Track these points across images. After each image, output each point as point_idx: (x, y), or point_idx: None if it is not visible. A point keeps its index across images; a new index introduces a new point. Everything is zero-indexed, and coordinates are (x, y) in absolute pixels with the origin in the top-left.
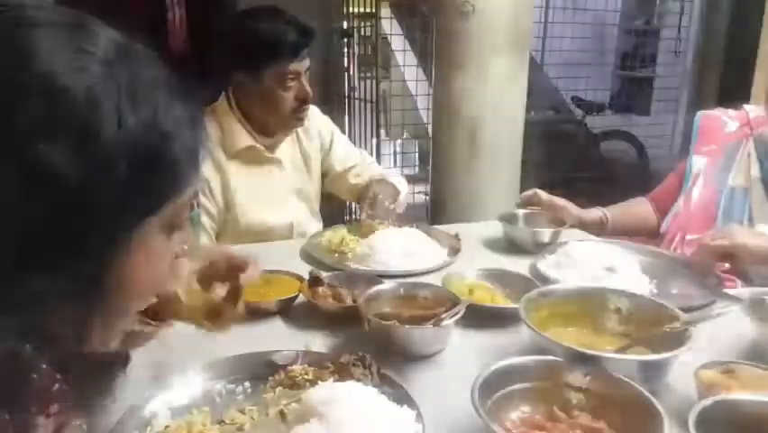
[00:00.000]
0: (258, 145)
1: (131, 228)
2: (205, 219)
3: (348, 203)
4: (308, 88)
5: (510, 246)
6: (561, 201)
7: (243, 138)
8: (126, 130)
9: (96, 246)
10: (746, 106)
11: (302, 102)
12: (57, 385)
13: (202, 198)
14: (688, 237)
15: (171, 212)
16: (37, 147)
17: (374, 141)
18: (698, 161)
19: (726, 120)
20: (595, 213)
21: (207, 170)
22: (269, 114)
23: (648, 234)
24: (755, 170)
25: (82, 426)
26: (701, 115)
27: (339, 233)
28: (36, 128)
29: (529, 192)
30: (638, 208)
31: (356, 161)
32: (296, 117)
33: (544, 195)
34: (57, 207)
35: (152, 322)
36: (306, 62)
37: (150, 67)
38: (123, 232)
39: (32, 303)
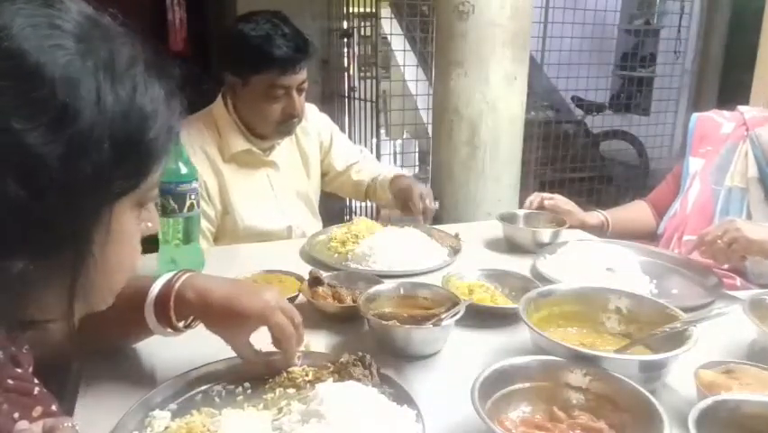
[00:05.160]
0: (254, 149)
1: (109, 206)
2: (203, 222)
3: (348, 202)
4: (298, 104)
5: (510, 246)
6: (566, 205)
7: (239, 141)
8: (105, 109)
9: (76, 225)
10: (741, 108)
11: (289, 116)
12: (37, 389)
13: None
14: (685, 238)
15: (144, 190)
16: (12, 127)
17: (374, 141)
18: (694, 163)
19: (721, 121)
20: (597, 216)
21: (205, 172)
22: (257, 121)
23: (648, 238)
24: (753, 171)
25: (75, 427)
26: (696, 118)
27: (353, 228)
28: (10, 108)
29: (535, 199)
30: (638, 212)
31: (357, 158)
32: (281, 129)
33: (548, 201)
34: (35, 186)
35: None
36: (301, 77)
37: (126, 42)
38: (102, 210)
39: (15, 284)
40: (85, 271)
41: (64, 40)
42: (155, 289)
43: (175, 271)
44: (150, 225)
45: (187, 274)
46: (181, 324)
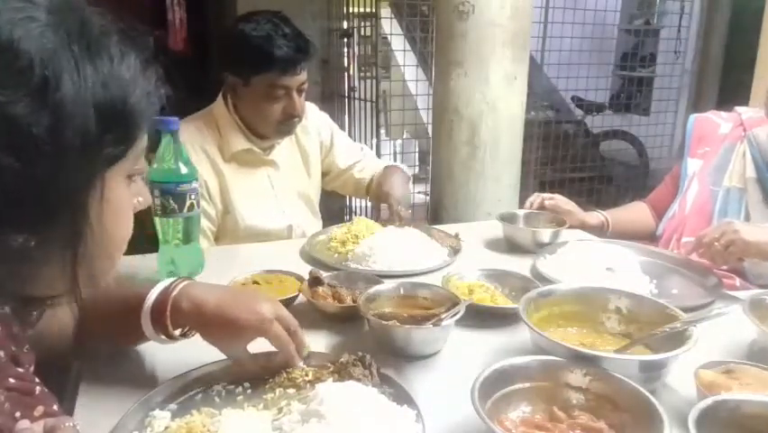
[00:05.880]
0: (254, 148)
1: (101, 175)
2: (203, 221)
3: (348, 202)
4: (298, 104)
5: (510, 246)
6: (567, 205)
7: (240, 141)
8: (86, 77)
9: (71, 195)
10: (738, 108)
11: (289, 116)
12: (38, 388)
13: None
14: (684, 239)
15: (132, 160)
16: None
17: (374, 141)
18: (692, 164)
19: (718, 122)
20: (597, 217)
21: (205, 172)
22: (257, 121)
23: (647, 239)
24: (751, 171)
25: (76, 427)
26: (694, 119)
27: (353, 228)
28: None
29: (536, 200)
30: (638, 213)
31: (358, 156)
32: (282, 129)
33: (548, 201)
34: (26, 158)
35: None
36: (301, 77)
37: (96, 13)
38: (95, 179)
39: (16, 259)
40: (84, 241)
41: (35, 12)
42: (151, 297)
43: (172, 279)
44: (141, 199)
45: (184, 283)
46: (177, 332)
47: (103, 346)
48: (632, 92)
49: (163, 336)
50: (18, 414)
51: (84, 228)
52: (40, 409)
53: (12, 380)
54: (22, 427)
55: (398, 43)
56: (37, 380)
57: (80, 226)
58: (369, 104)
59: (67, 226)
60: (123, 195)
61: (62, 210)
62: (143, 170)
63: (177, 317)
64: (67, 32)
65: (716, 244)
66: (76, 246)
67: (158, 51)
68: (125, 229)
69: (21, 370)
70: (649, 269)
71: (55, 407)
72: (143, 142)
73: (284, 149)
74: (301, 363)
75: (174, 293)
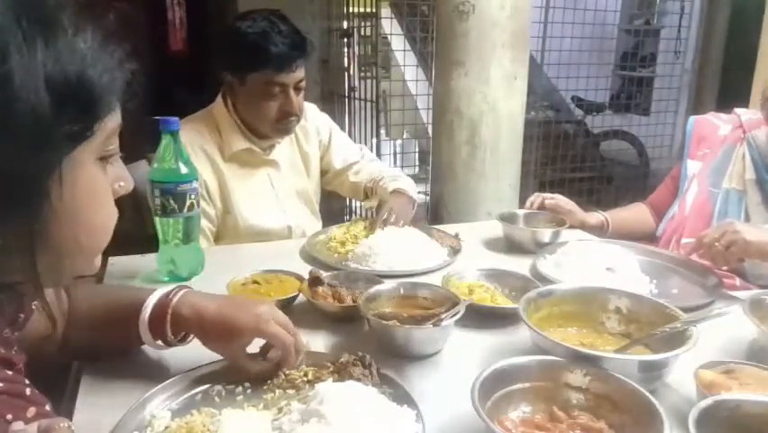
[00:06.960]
0: (254, 148)
1: (61, 156)
2: (203, 222)
3: (348, 202)
4: (295, 102)
5: (510, 246)
6: (567, 205)
7: (240, 140)
8: (34, 51)
9: (29, 178)
10: (737, 110)
11: (286, 114)
12: (29, 389)
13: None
14: (683, 240)
15: (100, 140)
16: None
17: (374, 141)
18: (692, 166)
19: (718, 124)
20: (597, 217)
21: (205, 172)
22: (255, 119)
23: (647, 239)
24: (750, 173)
25: (71, 427)
26: (694, 120)
27: (352, 228)
28: None
29: (536, 200)
30: (638, 214)
31: (356, 158)
32: (280, 128)
33: (549, 201)
34: None
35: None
36: (297, 75)
37: None
38: (53, 160)
39: None
40: (45, 227)
41: None
42: (149, 305)
43: (169, 288)
44: (122, 184)
45: (183, 291)
46: (172, 337)
47: (93, 353)
48: (632, 92)
49: (160, 342)
50: (10, 416)
51: (44, 212)
52: (32, 411)
53: (0, 383)
54: (16, 429)
55: (398, 43)
56: (27, 381)
57: (40, 210)
58: (369, 104)
59: (25, 211)
60: (95, 178)
61: (19, 192)
62: (116, 152)
63: (177, 324)
64: (13, 5)
65: (716, 244)
66: (33, 231)
67: (157, 51)
68: (103, 215)
69: (10, 372)
70: (649, 269)
71: (47, 407)
72: (114, 121)
73: (284, 149)
74: (297, 367)
75: (174, 301)
